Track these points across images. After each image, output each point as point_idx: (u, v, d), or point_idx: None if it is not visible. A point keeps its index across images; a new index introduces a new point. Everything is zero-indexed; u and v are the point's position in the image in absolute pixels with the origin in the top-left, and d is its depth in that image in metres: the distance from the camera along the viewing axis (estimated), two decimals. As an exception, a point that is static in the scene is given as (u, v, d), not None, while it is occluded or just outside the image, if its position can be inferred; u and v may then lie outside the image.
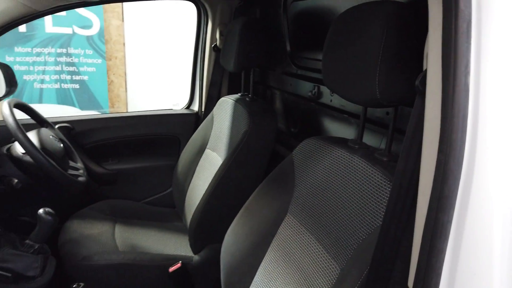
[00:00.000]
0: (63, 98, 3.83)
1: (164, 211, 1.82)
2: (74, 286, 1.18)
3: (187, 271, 1.39)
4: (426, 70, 0.56)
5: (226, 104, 1.59)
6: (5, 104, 1.28)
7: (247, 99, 1.53)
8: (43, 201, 1.28)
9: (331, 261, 0.83)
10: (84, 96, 3.90)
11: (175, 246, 1.50)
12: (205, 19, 1.89)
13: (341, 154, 0.93)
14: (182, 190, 1.69)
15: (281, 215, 1.04)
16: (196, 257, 1.43)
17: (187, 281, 1.39)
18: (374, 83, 0.74)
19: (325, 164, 0.96)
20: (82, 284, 1.18)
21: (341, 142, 0.98)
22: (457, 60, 0.48)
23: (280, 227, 1.04)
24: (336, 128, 1.37)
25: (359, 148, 0.92)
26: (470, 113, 0.49)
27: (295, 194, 1.02)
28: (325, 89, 1.38)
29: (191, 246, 1.46)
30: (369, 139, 1.16)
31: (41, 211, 1.11)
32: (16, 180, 1.26)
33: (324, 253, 0.86)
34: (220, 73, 1.89)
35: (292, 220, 1.01)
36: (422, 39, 0.61)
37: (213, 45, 1.86)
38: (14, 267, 1.05)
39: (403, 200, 0.62)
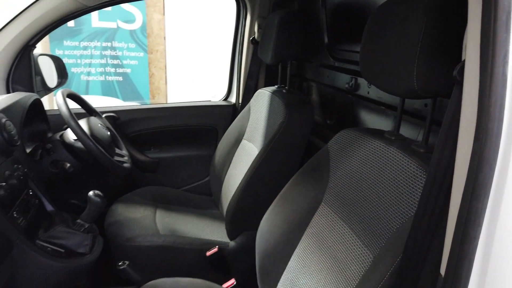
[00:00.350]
0: (107, 89, 4.02)
1: (202, 199, 1.89)
2: (119, 263, 1.27)
3: (223, 256, 1.45)
4: (464, 60, 0.57)
5: (263, 96, 1.62)
6: (59, 94, 1.37)
7: (284, 91, 1.56)
8: (91, 186, 1.37)
9: (364, 249, 0.85)
10: (126, 88, 4.07)
11: (212, 232, 1.56)
12: (244, 13, 1.92)
13: (377, 145, 0.94)
14: (219, 179, 1.75)
15: (316, 204, 1.06)
16: (232, 243, 1.48)
17: (223, 265, 1.45)
18: (412, 74, 0.75)
19: (360, 155, 0.97)
20: (127, 262, 1.27)
21: (377, 133, 0.99)
22: (496, 50, 0.49)
23: (314, 215, 1.06)
24: (373, 120, 1.37)
25: (395, 140, 0.92)
26: (507, 103, 0.49)
27: (330, 184, 1.04)
28: (362, 81, 1.38)
29: (227, 232, 1.51)
30: (406, 131, 1.15)
31: (91, 193, 1.19)
32: (68, 165, 1.36)
33: (358, 241, 0.88)
34: (257, 66, 1.92)
35: (326, 209, 1.03)
36: (461, 30, 0.61)
37: (251, 38, 1.89)
38: (66, 244, 1.15)
39: (438, 190, 0.62)
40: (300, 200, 1.11)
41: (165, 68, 4.25)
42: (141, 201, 1.70)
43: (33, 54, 1.68)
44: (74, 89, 1.57)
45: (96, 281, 1.51)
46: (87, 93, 3.94)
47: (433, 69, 0.74)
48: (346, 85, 1.43)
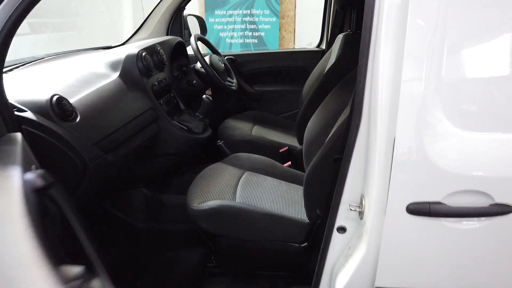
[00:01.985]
0: (245, 50, 4.83)
1: (290, 123, 2.44)
2: (218, 141, 1.96)
3: (292, 154, 1.99)
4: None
5: (338, 40, 2.04)
6: (192, 37, 2.07)
7: (350, 32, 1.95)
8: (218, 108, 2.03)
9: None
10: (260, 49, 4.79)
11: (288, 140, 2.12)
12: (335, -31, 2.31)
13: None
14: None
15: (343, 106, 1.50)
16: (300, 147, 2.00)
17: (292, 160, 1.99)
18: None
19: None
20: (222, 141, 1.95)
21: None
22: None
23: (342, 114, 1.50)
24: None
25: None
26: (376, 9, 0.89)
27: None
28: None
29: (297, 138, 2.04)
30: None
31: (203, 96, 1.88)
32: (194, 81, 2.08)
33: None
34: (341, 15, 2.31)
35: (348, 109, 1.46)
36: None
37: (337, -9, 2.28)
38: (188, 125, 1.86)
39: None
40: (334, 105, 1.57)
41: (294, 31, 4.80)
42: (245, 119, 2.35)
43: (183, 14, 2.42)
44: (221, 50, 2.24)
45: (205, 155, 2.26)
46: (230, 53, 4.81)
47: None
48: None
